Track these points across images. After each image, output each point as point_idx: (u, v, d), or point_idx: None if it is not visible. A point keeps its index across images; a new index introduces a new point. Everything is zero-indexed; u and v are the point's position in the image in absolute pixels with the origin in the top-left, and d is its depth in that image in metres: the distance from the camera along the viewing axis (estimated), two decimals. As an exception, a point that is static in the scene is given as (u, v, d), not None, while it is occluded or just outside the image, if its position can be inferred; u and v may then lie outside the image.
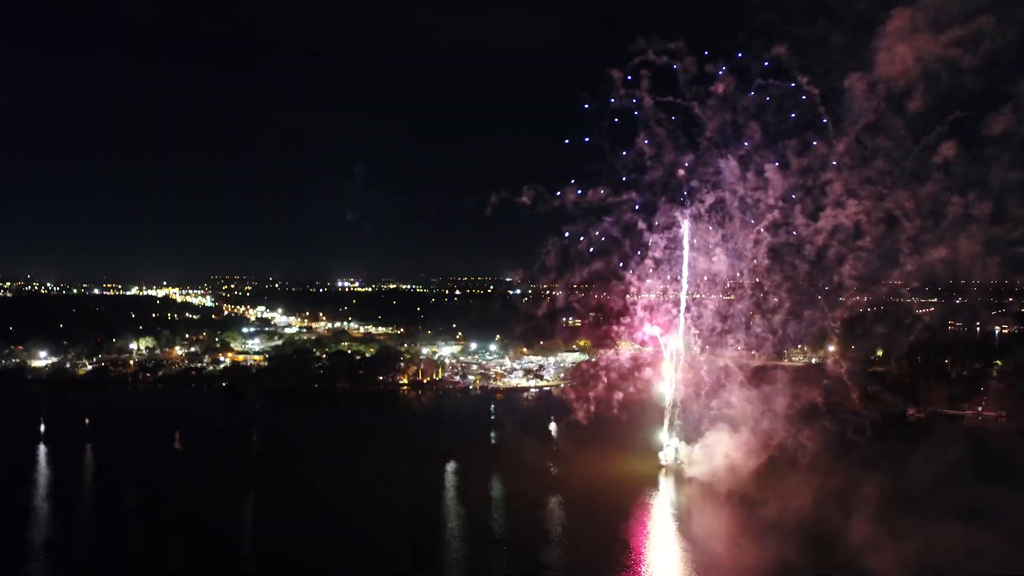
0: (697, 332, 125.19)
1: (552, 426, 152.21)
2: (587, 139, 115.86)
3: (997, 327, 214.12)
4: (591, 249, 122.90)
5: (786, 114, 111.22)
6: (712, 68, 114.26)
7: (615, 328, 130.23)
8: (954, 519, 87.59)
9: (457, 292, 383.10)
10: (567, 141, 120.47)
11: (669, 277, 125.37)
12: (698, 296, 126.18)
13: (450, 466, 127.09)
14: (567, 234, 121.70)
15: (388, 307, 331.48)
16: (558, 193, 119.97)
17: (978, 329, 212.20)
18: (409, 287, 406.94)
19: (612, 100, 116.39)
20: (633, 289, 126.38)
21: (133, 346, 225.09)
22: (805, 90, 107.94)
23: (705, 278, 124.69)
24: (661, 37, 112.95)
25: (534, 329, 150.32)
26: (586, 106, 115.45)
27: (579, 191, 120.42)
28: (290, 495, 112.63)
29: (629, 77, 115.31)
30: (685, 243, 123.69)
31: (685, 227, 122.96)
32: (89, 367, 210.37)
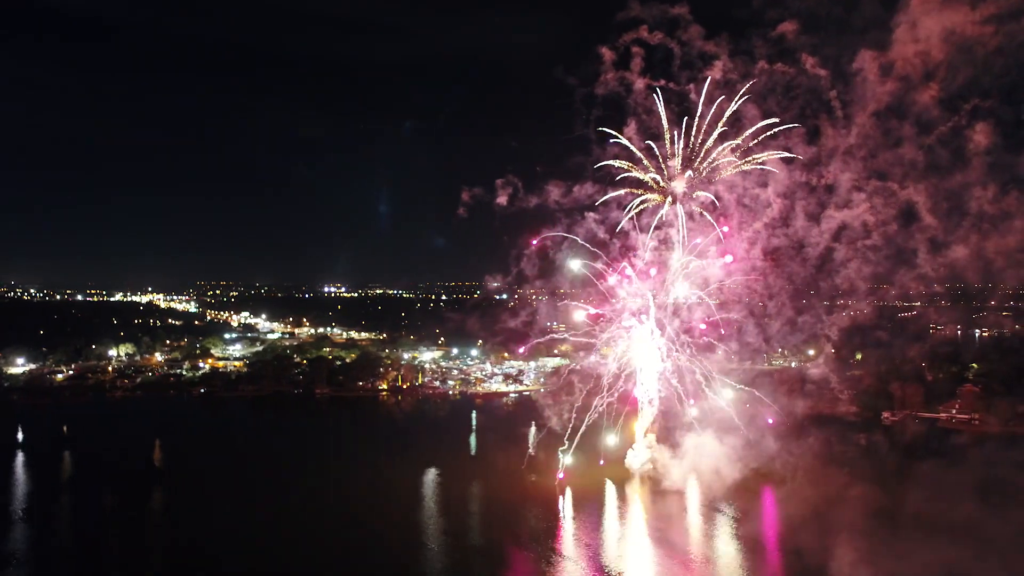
0: (689, 339, 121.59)
1: (531, 432, 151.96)
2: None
3: (977, 330, 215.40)
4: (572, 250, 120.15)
5: (791, 101, 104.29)
6: (713, 48, 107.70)
7: (597, 333, 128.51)
8: (936, 533, 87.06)
9: (443, 297, 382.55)
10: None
11: (658, 280, 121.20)
12: (685, 301, 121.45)
13: (430, 473, 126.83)
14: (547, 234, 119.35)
15: (373, 312, 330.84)
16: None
17: (959, 332, 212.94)
18: (395, 292, 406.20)
19: (600, 76, 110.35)
20: (619, 293, 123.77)
21: (113, 352, 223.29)
22: (812, 72, 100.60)
23: (696, 281, 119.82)
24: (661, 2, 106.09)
25: (515, 334, 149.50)
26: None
27: (563, 188, 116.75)
28: (267, 502, 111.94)
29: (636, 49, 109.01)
30: (676, 242, 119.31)
31: (680, 224, 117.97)
32: (67, 374, 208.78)
